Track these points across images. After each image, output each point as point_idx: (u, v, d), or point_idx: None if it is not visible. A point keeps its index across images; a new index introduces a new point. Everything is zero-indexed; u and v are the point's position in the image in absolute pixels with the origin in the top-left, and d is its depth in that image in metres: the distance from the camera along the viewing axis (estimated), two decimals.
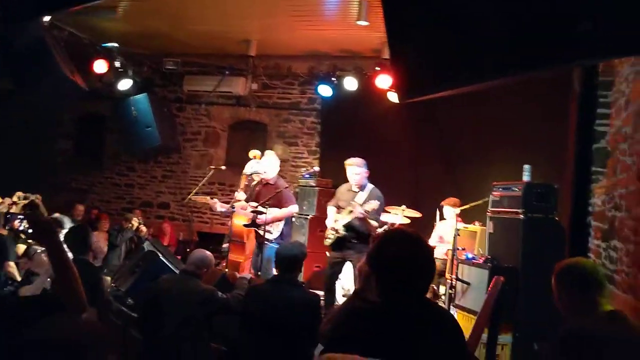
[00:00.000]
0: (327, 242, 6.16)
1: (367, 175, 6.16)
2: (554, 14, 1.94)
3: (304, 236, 7.52)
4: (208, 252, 4.53)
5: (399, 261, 2.04)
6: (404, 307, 2.02)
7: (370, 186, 6.14)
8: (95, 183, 10.86)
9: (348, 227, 5.98)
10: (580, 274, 2.40)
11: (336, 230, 6.04)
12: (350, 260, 6.08)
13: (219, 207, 6.58)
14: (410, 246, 2.08)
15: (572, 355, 2.16)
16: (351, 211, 5.93)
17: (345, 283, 6.58)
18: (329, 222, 6.21)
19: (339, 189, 6.46)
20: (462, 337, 2.13)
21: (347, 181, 6.24)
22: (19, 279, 5.25)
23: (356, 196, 6.05)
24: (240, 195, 6.68)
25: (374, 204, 5.84)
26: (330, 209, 6.29)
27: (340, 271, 6.30)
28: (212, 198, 6.98)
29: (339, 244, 6.07)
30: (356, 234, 6.01)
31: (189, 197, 7.06)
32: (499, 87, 5.81)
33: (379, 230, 6.65)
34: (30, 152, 9.28)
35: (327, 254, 6.37)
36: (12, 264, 5.40)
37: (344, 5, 7.10)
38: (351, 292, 6.23)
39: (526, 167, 5.39)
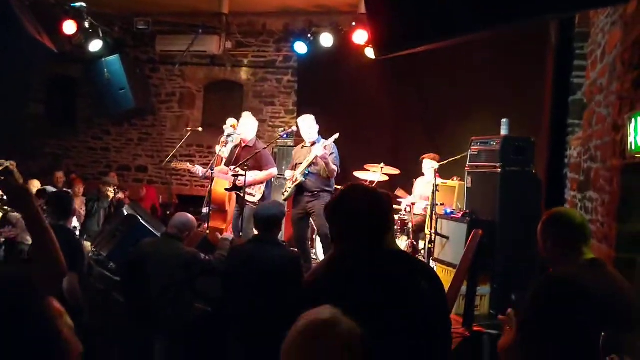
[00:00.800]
0: (285, 194, 6.20)
1: (317, 130, 6.20)
2: None
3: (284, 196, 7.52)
4: (190, 216, 4.52)
5: (357, 214, 2.07)
6: (372, 258, 2.05)
7: (323, 139, 6.15)
8: (70, 148, 10.66)
9: (307, 173, 5.98)
10: (568, 224, 2.42)
11: (294, 180, 6.05)
12: (313, 212, 6.07)
13: (201, 172, 6.51)
14: (367, 200, 2.11)
15: (556, 300, 2.20)
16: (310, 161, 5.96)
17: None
18: (287, 175, 6.24)
19: (294, 151, 6.49)
20: (442, 286, 2.16)
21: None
22: None
23: (312, 150, 6.05)
24: (220, 150, 6.66)
25: (332, 138, 5.91)
26: (288, 172, 6.32)
27: (306, 227, 6.31)
28: (192, 164, 6.90)
29: (298, 199, 6.10)
30: (315, 180, 6.00)
31: (166, 161, 6.95)
32: (476, 41, 5.78)
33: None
34: (0, 118, 9.04)
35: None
36: None
37: None
38: None
39: (504, 121, 5.41)
